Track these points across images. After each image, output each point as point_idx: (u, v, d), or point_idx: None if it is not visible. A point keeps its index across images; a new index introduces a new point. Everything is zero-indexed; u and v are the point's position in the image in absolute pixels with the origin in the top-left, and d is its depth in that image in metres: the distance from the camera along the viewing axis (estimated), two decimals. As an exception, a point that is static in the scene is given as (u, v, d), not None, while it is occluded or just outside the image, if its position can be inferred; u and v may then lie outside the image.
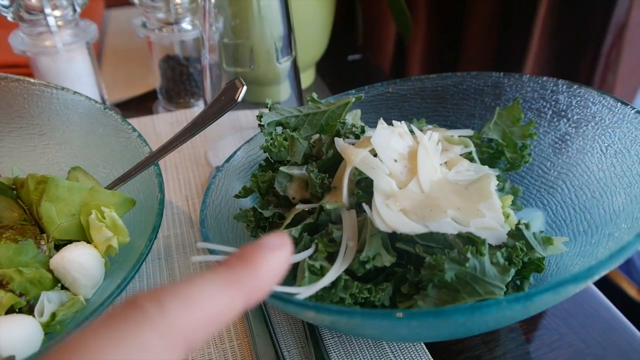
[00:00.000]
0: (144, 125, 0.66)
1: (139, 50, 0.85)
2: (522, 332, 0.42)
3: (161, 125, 0.67)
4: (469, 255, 0.32)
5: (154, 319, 0.15)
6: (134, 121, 0.66)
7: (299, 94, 0.61)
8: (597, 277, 0.28)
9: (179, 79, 0.69)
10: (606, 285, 0.92)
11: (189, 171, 0.59)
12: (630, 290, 0.92)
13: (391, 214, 0.35)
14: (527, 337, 0.41)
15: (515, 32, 0.90)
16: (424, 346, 0.39)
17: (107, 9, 0.99)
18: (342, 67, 0.86)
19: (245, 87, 0.43)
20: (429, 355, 0.39)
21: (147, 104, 0.74)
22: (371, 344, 0.39)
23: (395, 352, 0.39)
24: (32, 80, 0.50)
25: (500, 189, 0.44)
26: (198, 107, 0.71)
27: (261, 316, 0.41)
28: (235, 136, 0.63)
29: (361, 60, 0.88)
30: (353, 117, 0.50)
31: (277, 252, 0.18)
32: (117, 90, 0.75)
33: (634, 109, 0.39)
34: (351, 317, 0.27)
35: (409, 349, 0.39)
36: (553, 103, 0.46)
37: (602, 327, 0.41)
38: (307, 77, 0.79)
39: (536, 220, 0.43)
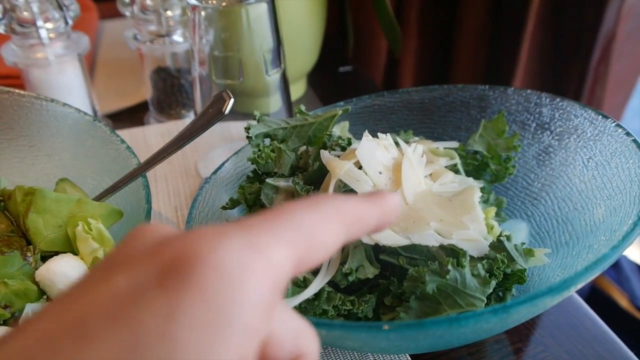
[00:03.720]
0: (135, 136, 0.66)
1: (130, 61, 0.85)
2: (508, 343, 0.42)
3: (152, 136, 0.67)
4: (449, 267, 0.32)
5: (328, 203, 0.20)
6: (125, 132, 0.66)
7: (289, 105, 0.61)
8: (574, 289, 0.28)
9: (170, 90, 0.70)
10: (597, 295, 0.92)
11: (179, 182, 0.59)
12: (622, 300, 0.92)
13: (374, 226, 0.35)
14: (512, 349, 0.41)
15: (505, 45, 0.90)
16: (409, 358, 0.40)
17: (102, 20, 0.99)
18: (333, 78, 0.87)
19: (232, 100, 0.43)
20: (414, 366, 0.39)
21: (138, 115, 0.74)
22: (357, 356, 0.40)
23: (380, 364, 0.39)
24: (21, 92, 0.51)
25: (485, 201, 0.45)
26: (189, 118, 0.72)
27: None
28: (226, 147, 0.63)
29: (352, 72, 0.89)
30: (341, 129, 0.50)
31: (393, 195, 0.23)
32: (109, 102, 0.75)
33: (614, 122, 0.40)
34: (330, 330, 0.27)
35: (394, 360, 0.39)
36: (537, 115, 0.46)
37: (586, 339, 0.42)
38: (299, 89, 0.79)
39: (520, 232, 0.43)
